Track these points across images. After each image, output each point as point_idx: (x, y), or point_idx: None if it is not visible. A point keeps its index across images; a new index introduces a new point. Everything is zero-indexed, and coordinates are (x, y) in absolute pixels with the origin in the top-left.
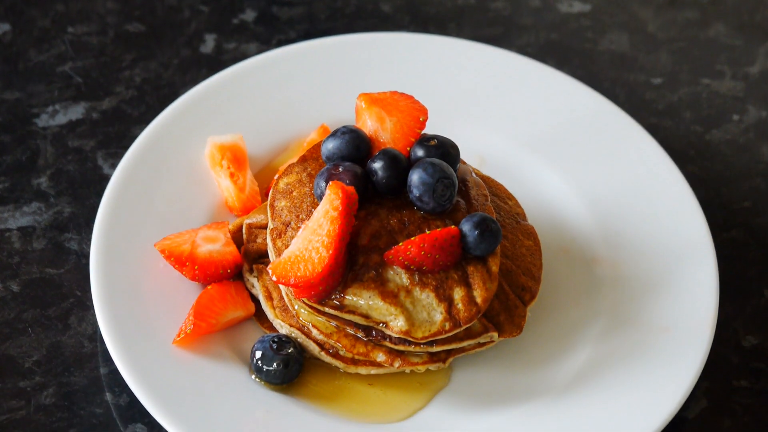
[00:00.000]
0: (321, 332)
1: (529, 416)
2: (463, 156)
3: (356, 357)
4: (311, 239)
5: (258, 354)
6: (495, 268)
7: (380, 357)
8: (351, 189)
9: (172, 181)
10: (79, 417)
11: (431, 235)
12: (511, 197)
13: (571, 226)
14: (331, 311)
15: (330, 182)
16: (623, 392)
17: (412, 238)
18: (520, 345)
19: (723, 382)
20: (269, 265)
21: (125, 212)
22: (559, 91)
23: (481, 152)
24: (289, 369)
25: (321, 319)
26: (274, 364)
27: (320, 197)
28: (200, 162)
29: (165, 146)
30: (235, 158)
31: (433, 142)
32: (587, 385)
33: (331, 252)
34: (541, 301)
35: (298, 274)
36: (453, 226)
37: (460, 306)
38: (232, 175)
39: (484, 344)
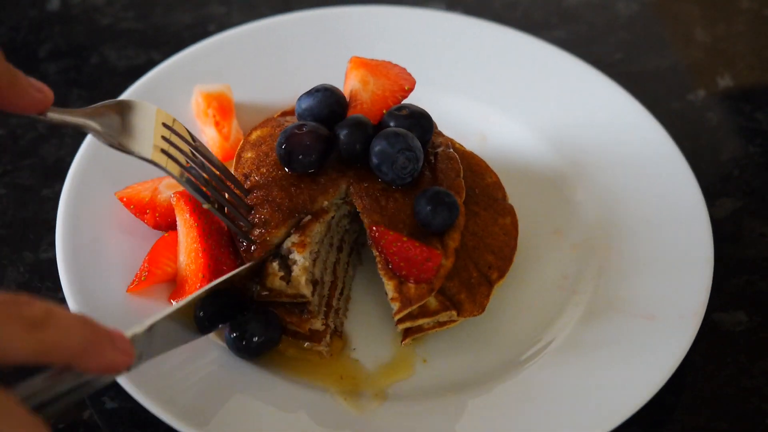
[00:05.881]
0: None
1: (499, 395)
2: (464, 132)
3: (288, 326)
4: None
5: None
6: (452, 245)
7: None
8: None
9: None
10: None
11: (410, 250)
12: (492, 175)
13: (568, 210)
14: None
15: (175, 195)
16: (597, 376)
17: (390, 235)
18: (496, 324)
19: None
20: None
21: (102, 162)
22: (573, 78)
23: (484, 130)
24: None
25: None
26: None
27: (280, 155)
28: (187, 115)
29: (154, 97)
30: (221, 107)
31: (404, 112)
32: (561, 367)
33: (202, 260)
34: (525, 281)
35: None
36: (437, 251)
37: (410, 283)
38: (217, 124)
39: (444, 323)
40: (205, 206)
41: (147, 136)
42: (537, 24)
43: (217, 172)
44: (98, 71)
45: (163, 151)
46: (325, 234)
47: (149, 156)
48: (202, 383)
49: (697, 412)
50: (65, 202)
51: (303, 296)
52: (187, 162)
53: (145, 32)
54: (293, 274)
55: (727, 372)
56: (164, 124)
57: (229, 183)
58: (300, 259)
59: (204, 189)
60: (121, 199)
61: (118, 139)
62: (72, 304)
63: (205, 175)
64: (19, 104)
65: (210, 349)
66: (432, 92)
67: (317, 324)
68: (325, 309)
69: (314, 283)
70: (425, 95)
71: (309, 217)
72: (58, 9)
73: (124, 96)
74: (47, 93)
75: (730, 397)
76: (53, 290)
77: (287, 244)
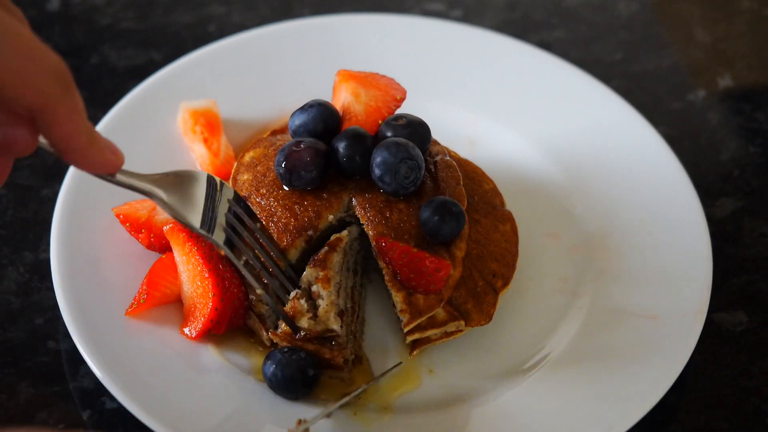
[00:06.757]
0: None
1: (506, 404)
2: (452, 139)
3: (325, 360)
4: (190, 286)
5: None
6: (459, 254)
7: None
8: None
9: (145, 149)
10: (27, 369)
11: (420, 261)
12: (488, 181)
13: (562, 213)
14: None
15: (168, 228)
16: (604, 379)
17: (399, 247)
18: (502, 331)
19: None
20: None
21: (94, 180)
22: (559, 81)
23: (472, 136)
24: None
25: None
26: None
27: (280, 174)
28: (176, 133)
29: (140, 116)
30: (209, 123)
31: (401, 121)
32: (569, 372)
33: (209, 280)
34: (525, 286)
35: (202, 319)
36: (446, 261)
37: (420, 294)
38: (205, 141)
39: (451, 334)
40: (258, 291)
41: (210, 210)
42: (537, 24)
43: (272, 255)
44: (98, 71)
45: (225, 231)
46: (343, 261)
47: (212, 235)
48: (203, 396)
49: (698, 412)
50: (59, 223)
51: (332, 331)
52: (248, 244)
53: (145, 32)
54: (320, 309)
55: (727, 372)
56: (229, 200)
57: (279, 261)
58: (326, 294)
59: (260, 275)
60: (117, 216)
61: (181, 211)
62: (70, 324)
63: (262, 258)
64: (93, 164)
65: (211, 365)
66: (416, 100)
67: (347, 354)
68: (351, 337)
69: (340, 314)
70: (409, 103)
71: (326, 248)
72: (58, 9)
73: (105, 120)
74: (120, 156)
75: (730, 397)
76: (53, 290)
77: (310, 278)
